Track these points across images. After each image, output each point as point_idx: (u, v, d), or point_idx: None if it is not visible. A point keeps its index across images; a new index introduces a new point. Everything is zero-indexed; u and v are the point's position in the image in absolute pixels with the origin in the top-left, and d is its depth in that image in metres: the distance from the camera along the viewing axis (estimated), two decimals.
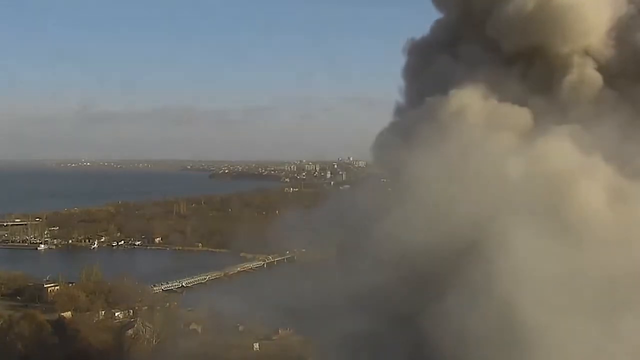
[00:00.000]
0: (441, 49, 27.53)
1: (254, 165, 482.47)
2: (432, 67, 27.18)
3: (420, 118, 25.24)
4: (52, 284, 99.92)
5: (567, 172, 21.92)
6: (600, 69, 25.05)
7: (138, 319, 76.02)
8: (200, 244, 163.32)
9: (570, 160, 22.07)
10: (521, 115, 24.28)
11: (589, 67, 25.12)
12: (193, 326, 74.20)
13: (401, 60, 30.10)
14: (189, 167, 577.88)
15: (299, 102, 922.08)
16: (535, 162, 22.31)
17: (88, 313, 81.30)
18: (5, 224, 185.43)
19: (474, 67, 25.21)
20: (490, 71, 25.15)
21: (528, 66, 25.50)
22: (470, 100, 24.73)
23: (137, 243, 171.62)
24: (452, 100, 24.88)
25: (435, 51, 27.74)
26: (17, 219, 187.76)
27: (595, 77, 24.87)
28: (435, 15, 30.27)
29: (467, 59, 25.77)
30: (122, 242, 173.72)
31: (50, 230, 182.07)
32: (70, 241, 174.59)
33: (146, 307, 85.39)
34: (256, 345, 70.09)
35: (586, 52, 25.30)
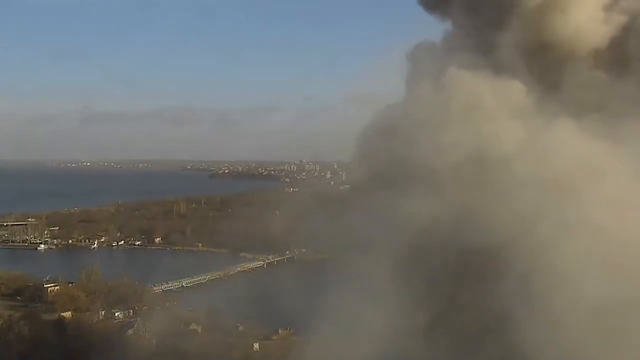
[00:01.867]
0: (443, 52, 27.64)
1: (254, 165, 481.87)
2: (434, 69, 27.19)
3: (416, 104, 25.24)
4: (52, 284, 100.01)
5: (578, 170, 21.93)
6: (601, 63, 25.29)
7: (138, 319, 76.14)
8: (200, 244, 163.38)
9: (581, 156, 22.10)
10: (525, 100, 24.37)
11: (590, 63, 25.31)
12: (193, 326, 74.24)
13: (403, 60, 30.10)
14: (189, 167, 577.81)
15: (299, 102, 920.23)
16: (545, 160, 22.36)
17: (88, 313, 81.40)
18: (5, 224, 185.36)
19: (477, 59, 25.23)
20: (494, 60, 25.20)
21: (534, 61, 25.69)
22: (472, 82, 24.66)
23: (137, 243, 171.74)
24: (452, 82, 24.76)
25: (438, 55, 27.82)
26: (17, 219, 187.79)
27: (598, 75, 25.03)
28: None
29: (470, 55, 25.78)
30: (122, 242, 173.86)
31: (50, 230, 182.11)
32: (70, 241, 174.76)
33: (146, 307, 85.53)
34: (256, 345, 70.11)
35: (587, 49, 25.52)
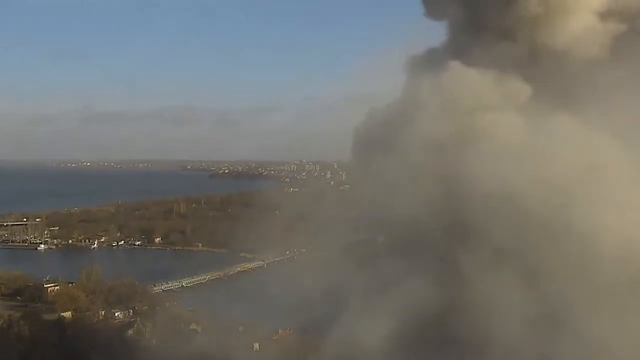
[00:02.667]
0: (443, 54, 27.77)
1: (254, 165, 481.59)
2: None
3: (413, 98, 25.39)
4: (52, 284, 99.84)
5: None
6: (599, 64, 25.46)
7: (138, 319, 76.11)
8: (200, 244, 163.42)
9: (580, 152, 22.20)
10: (525, 97, 24.50)
11: (589, 64, 25.44)
12: (193, 326, 74.16)
13: (403, 60, 30.13)
14: (189, 167, 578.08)
15: (299, 102, 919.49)
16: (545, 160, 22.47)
17: (88, 313, 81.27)
18: (5, 224, 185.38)
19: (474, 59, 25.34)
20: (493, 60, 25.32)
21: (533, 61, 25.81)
22: (472, 79, 24.79)
23: (137, 243, 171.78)
24: (453, 78, 24.89)
25: (438, 56, 27.93)
26: (17, 219, 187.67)
27: (596, 75, 25.17)
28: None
29: (470, 57, 25.89)
30: (122, 242, 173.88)
31: (50, 230, 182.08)
32: (70, 241, 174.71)
33: (146, 307, 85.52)
34: (256, 345, 70.01)
35: (586, 51, 25.63)
